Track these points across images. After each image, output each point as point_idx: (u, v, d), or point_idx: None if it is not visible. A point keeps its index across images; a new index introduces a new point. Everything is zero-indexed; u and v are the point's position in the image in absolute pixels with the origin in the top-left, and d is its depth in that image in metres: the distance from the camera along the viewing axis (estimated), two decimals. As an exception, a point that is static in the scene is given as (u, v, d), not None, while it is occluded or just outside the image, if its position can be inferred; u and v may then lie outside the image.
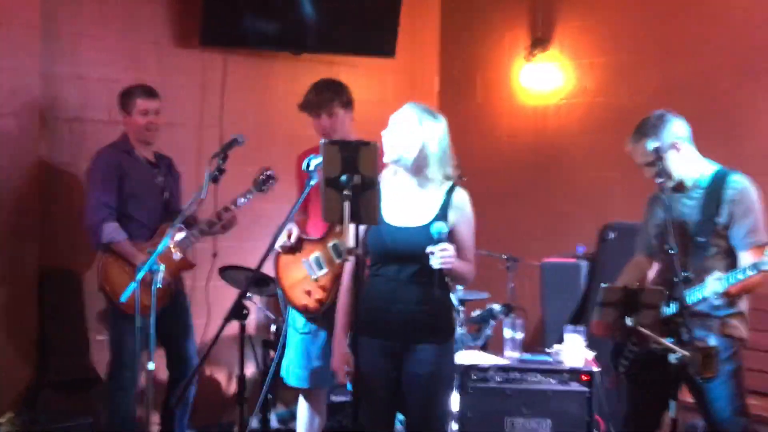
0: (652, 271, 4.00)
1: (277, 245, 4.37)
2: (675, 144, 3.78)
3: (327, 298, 4.37)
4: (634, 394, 3.97)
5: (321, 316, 4.39)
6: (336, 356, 3.77)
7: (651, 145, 3.74)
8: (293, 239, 4.40)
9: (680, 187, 3.85)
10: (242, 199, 4.80)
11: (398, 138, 3.62)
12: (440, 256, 3.44)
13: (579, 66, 6.20)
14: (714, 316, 3.73)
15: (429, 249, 3.44)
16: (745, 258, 3.64)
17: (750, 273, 3.51)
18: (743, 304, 3.82)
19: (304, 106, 4.61)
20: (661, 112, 3.85)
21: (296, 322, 4.52)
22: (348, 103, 4.62)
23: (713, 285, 3.57)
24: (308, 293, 4.42)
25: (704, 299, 3.62)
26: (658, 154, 3.71)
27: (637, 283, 3.77)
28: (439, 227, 3.48)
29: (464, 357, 4.74)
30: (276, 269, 4.53)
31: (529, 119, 6.47)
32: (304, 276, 4.44)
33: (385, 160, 3.63)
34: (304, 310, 4.46)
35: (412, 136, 3.59)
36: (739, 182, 3.77)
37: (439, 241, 3.45)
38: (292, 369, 4.52)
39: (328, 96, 4.55)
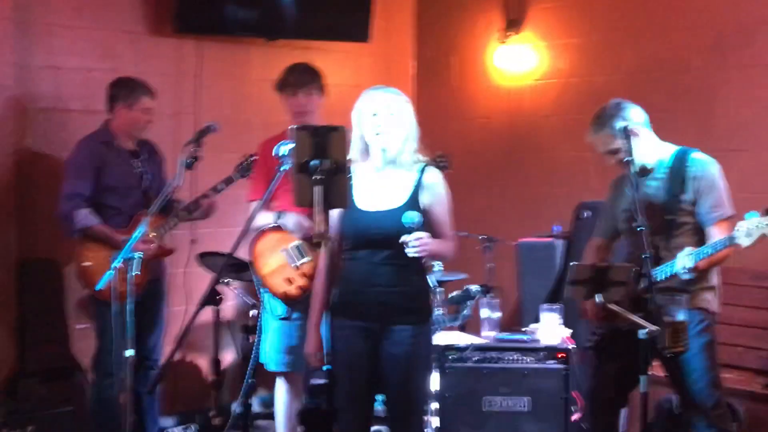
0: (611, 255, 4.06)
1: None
2: (634, 129, 3.81)
3: (310, 285, 4.39)
4: (601, 370, 4.01)
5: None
6: (310, 340, 3.81)
7: (619, 124, 3.77)
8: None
9: (644, 171, 3.88)
10: (223, 185, 4.82)
11: (395, 124, 3.62)
12: (415, 245, 3.46)
13: (552, 47, 6.23)
14: (684, 290, 3.78)
15: (403, 239, 3.46)
16: (712, 232, 3.68)
17: (720, 246, 3.56)
18: (715, 279, 3.87)
19: (282, 85, 4.66)
20: (618, 100, 3.89)
21: (275, 308, 4.53)
22: (322, 89, 4.69)
23: (683, 260, 3.61)
24: (289, 281, 4.45)
25: (674, 275, 3.66)
26: (626, 133, 3.74)
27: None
28: (411, 216, 3.48)
29: (442, 337, 4.79)
30: (252, 257, 4.54)
31: (504, 100, 6.50)
32: (282, 263, 4.47)
33: (379, 146, 3.63)
34: (284, 298, 4.48)
35: (407, 120, 3.63)
36: (700, 159, 3.82)
37: (411, 230, 3.47)
38: (271, 354, 4.54)
39: (308, 77, 4.65)
